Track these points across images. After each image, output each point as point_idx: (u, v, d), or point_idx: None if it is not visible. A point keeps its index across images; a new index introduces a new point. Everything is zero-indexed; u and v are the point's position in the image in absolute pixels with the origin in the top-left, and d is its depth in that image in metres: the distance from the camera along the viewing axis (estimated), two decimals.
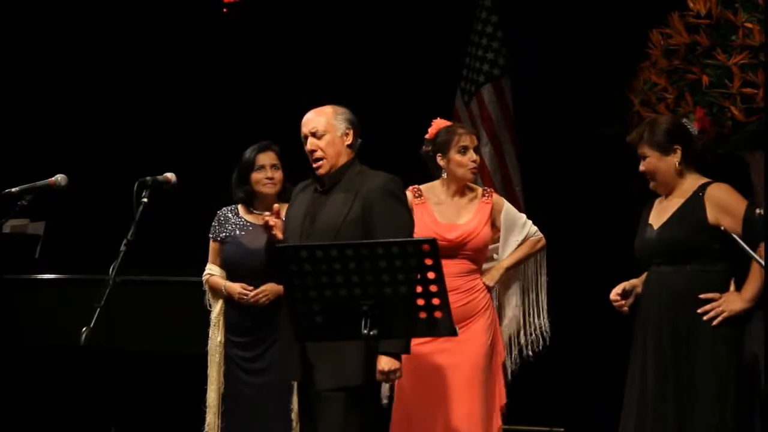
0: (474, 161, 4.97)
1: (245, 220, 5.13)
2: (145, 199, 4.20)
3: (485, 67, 7.13)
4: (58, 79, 7.80)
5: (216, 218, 5.19)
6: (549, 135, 7.02)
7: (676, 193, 4.49)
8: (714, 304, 4.33)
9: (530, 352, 5.20)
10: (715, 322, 4.31)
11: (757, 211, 4.16)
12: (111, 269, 4.01)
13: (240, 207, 5.18)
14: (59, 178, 4.26)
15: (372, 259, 3.60)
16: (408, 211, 4.46)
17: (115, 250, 4.05)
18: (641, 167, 4.53)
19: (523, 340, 5.20)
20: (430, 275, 3.59)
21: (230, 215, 5.16)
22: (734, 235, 4.11)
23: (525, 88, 7.12)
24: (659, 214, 4.52)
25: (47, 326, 6.16)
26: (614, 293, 4.59)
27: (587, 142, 6.35)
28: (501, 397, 5.01)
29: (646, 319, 4.50)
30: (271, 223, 4.35)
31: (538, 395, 6.55)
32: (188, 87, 7.71)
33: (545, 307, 5.22)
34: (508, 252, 5.12)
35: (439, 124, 5.07)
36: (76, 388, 6.48)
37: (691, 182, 4.46)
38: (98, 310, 3.88)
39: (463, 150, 4.96)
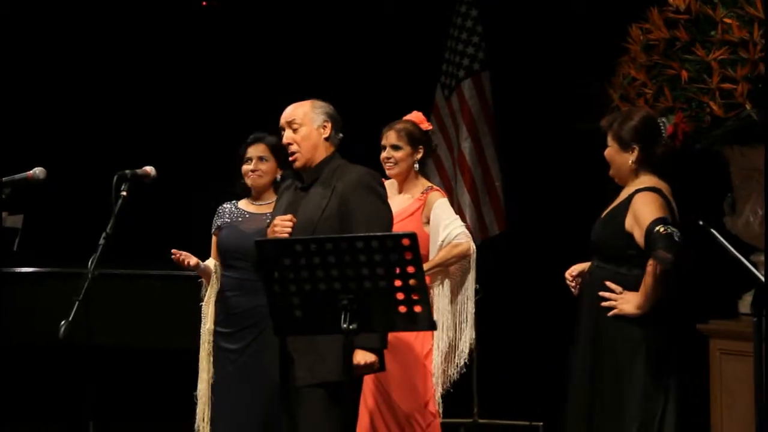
0: (389, 159, 4.97)
1: (242, 210, 5.04)
2: (125, 193, 4.19)
3: (465, 61, 7.13)
4: (36, 73, 7.76)
5: (216, 213, 5.09)
6: (529, 129, 7.03)
7: (626, 189, 4.45)
8: (613, 296, 4.34)
9: (460, 361, 5.00)
10: (610, 313, 4.33)
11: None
12: (90, 263, 4.00)
13: (243, 201, 5.08)
14: (37, 171, 4.22)
15: (351, 253, 3.59)
16: (385, 204, 4.40)
17: (94, 243, 4.04)
18: (605, 152, 4.51)
19: (460, 347, 5.00)
20: (410, 269, 3.59)
21: (229, 206, 5.05)
22: (717, 235, 4.05)
23: (505, 83, 7.13)
24: (609, 208, 4.52)
25: (25, 320, 6.13)
26: (569, 273, 4.61)
27: (567, 137, 6.36)
28: (427, 391, 4.89)
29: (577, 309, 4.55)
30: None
31: (517, 390, 6.56)
32: (168, 81, 7.68)
33: (470, 319, 5.00)
34: (433, 253, 4.92)
35: (412, 115, 5.08)
36: (53, 381, 6.45)
37: (641, 182, 4.40)
38: (77, 303, 3.87)
39: (383, 148, 5.01)
